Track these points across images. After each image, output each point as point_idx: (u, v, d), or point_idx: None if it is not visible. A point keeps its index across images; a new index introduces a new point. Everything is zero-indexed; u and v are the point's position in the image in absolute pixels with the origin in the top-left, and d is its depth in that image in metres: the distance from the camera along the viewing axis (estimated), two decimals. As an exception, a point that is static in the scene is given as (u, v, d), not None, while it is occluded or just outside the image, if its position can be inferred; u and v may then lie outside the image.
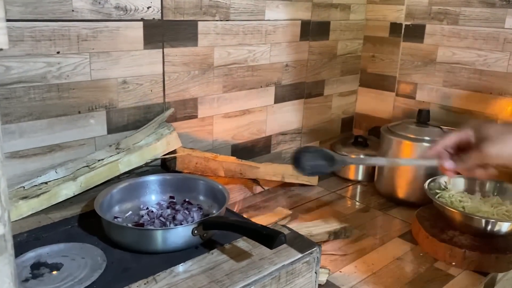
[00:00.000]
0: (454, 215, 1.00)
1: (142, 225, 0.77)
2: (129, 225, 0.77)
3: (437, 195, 1.10)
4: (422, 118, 1.27)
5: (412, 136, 1.23)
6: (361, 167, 1.42)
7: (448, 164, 0.64)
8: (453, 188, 1.13)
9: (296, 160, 0.69)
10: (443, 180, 1.15)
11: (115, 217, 0.79)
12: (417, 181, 1.20)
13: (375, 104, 1.56)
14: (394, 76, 1.49)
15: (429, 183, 1.11)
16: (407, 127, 1.26)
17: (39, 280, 0.62)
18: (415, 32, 1.42)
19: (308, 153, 0.70)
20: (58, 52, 0.86)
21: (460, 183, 1.15)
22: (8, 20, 0.79)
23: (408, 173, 1.24)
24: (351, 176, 1.43)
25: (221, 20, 1.11)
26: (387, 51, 1.50)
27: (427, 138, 1.21)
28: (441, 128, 1.25)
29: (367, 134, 1.55)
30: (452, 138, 0.64)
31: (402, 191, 1.26)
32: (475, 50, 1.30)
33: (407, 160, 0.74)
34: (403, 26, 1.45)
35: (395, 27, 1.47)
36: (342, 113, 1.58)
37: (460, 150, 0.64)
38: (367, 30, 1.54)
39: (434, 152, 0.65)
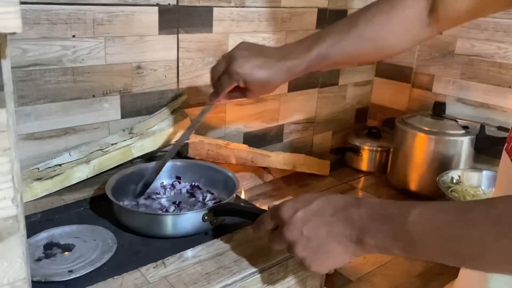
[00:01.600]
0: (467, 209, 0.99)
1: (157, 209, 0.78)
2: (140, 209, 0.78)
3: (450, 189, 1.09)
4: (438, 110, 1.26)
5: (426, 128, 1.21)
6: (373, 158, 1.41)
7: (221, 100, 0.80)
8: (466, 182, 1.12)
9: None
10: (456, 174, 1.14)
11: (126, 201, 0.80)
12: (430, 174, 1.18)
13: (390, 95, 1.54)
14: (411, 67, 1.47)
15: (442, 177, 1.10)
16: (422, 120, 1.25)
17: (51, 260, 0.64)
18: (434, 23, 1.39)
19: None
20: (73, 36, 0.86)
21: (474, 177, 1.14)
22: (24, 3, 0.80)
23: (422, 166, 1.23)
24: (364, 167, 1.42)
25: (236, 7, 1.10)
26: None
27: (442, 131, 1.20)
28: (456, 121, 1.23)
29: (382, 126, 1.54)
30: (228, 87, 0.76)
31: (414, 184, 1.25)
32: (495, 43, 1.27)
33: (198, 117, 0.86)
34: (422, 16, 1.42)
35: (413, 17, 1.44)
36: (356, 104, 1.56)
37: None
38: (385, 19, 1.51)
39: (217, 101, 0.81)
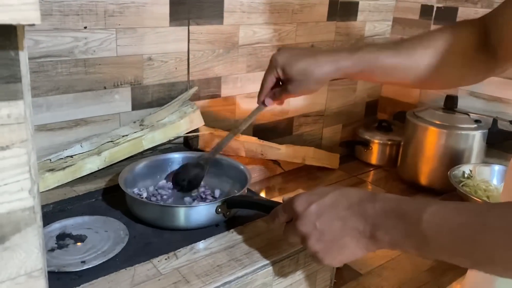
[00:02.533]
0: (478, 204, 0.98)
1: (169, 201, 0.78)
2: (153, 201, 0.78)
3: (461, 184, 1.08)
4: (449, 104, 1.25)
5: (438, 122, 1.20)
6: (383, 151, 1.40)
7: (267, 101, 0.77)
8: (478, 177, 1.11)
9: (176, 184, 0.81)
10: (467, 168, 1.13)
11: (139, 193, 0.80)
12: (441, 168, 1.18)
13: (401, 88, 1.53)
14: (422, 60, 1.45)
15: (453, 171, 1.09)
16: (434, 113, 1.24)
17: (64, 251, 0.64)
18: (447, 15, 1.37)
19: (178, 173, 0.82)
20: (85, 27, 0.86)
21: (485, 172, 1.13)
22: (37, -6, 0.80)
23: (432, 160, 1.22)
24: (373, 160, 1.42)
25: (247, -2, 1.09)
26: (416, 34, 1.46)
27: (454, 125, 1.18)
28: (468, 115, 1.22)
29: (392, 119, 1.52)
30: (270, 82, 0.74)
31: (425, 178, 1.24)
32: (509, 35, 1.25)
33: (248, 118, 0.83)
34: (435, 8, 1.40)
35: (426, 9, 1.42)
36: (367, 97, 1.55)
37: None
38: (397, 11, 1.50)
39: (262, 99, 0.78)
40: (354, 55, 0.70)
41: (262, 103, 0.78)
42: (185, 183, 0.81)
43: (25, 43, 0.35)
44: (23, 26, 0.33)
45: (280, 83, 0.76)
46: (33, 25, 0.31)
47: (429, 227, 0.47)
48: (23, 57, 0.35)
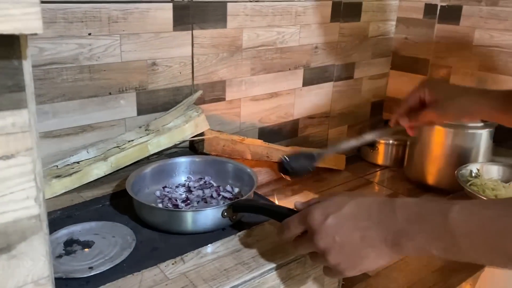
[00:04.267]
0: (486, 203, 0.97)
1: (176, 205, 0.78)
2: (160, 205, 0.78)
3: (469, 183, 1.07)
4: (456, 103, 1.24)
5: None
6: (389, 151, 1.39)
7: (403, 121, 0.74)
8: (485, 176, 1.10)
9: (282, 166, 0.78)
10: (475, 167, 1.12)
11: (146, 198, 0.80)
12: (448, 167, 1.17)
13: (406, 87, 1.50)
14: (428, 59, 1.45)
15: (460, 170, 1.08)
16: (440, 112, 1.23)
17: (72, 257, 0.64)
18: (451, 14, 1.37)
19: (292, 157, 0.79)
20: (89, 34, 0.87)
21: (493, 171, 1.12)
22: (41, 2, 0.80)
23: (439, 159, 1.21)
24: (380, 161, 1.41)
25: (250, 1, 1.09)
26: (421, 33, 1.45)
27: (460, 124, 1.17)
28: (475, 113, 1.21)
29: (397, 119, 1.51)
30: (413, 98, 0.72)
31: (432, 177, 1.23)
32: (515, 33, 1.24)
33: (370, 135, 0.80)
34: (438, 7, 1.40)
35: (430, 8, 1.42)
36: (372, 97, 1.55)
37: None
38: (401, 11, 1.49)
39: (399, 115, 0.76)
40: (499, 97, 0.70)
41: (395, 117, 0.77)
42: (290, 169, 0.78)
43: (28, 52, 0.35)
44: (26, 35, 0.34)
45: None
46: (35, 34, 0.31)
47: (457, 225, 0.45)
48: (27, 66, 0.35)
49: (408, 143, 1.31)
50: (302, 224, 0.57)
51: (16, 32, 0.31)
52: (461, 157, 1.17)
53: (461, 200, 0.47)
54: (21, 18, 0.31)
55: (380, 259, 0.52)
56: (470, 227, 0.45)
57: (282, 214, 0.64)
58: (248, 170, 0.83)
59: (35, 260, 0.40)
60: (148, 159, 0.94)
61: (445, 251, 0.47)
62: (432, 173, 1.23)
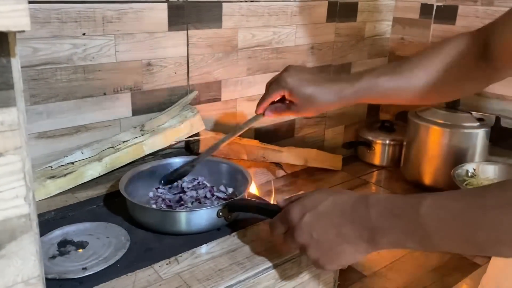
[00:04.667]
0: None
1: (169, 206, 0.78)
2: (153, 206, 0.78)
3: (465, 182, 1.07)
4: (452, 103, 1.24)
5: (440, 121, 1.19)
6: (386, 152, 1.39)
7: (268, 113, 0.79)
8: (481, 175, 1.10)
9: (165, 181, 0.84)
10: (471, 167, 1.12)
11: (140, 198, 0.80)
12: (445, 167, 1.17)
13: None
14: (424, 59, 1.45)
15: (456, 170, 1.09)
16: (436, 112, 1.23)
17: (65, 257, 0.64)
18: (447, 13, 1.37)
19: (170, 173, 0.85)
20: (83, 34, 0.87)
21: (489, 170, 1.12)
22: (35, 2, 0.80)
23: (436, 159, 1.21)
24: (376, 161, 1.41)
25: (246, 1, 1.09)
26: (417, 33, 1.46)
27: (456, 123, 1.18)
28: (471, 113, 1.21)
29: (394, 119, 1.52)
30: (274, 96, 0.77)
31: (428, 177, 1.23)
32: (510, 32, 1.24)
33: (244, 125, 0.84)
34: (434, 7, 1.40)
35: (426, 8, 1.42)
36: (368, 97, 1.54)
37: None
38: (397, 11, 1.49)
39: (261, 110, 0.79)
40: (355, 85, 0.72)
41: (262, 114, 0.80)
42: (172, 178, 0.85)
43: (17, 50, 0.35)
44: (14, 32, 0.33)
45: (284, 100, 0.78)
46: (23, 31, 0.31)
47: (428, 219, 0.47)
48: (15, 63, 0.35)
49: (404, 143, 1.31)
50: (284, 223, 0.60)
51: (4, 29, 0.31)
52: (457, 156, 1.17)
53: (432, 193, 0.49)
54: (8, 15, 0.30)
55: (357, 254, 0.54)
56: (441, 220, 0.46)
57: (277, 212, 0.63)
58: (242, 169, 0.83)
59: (25, 260, 0.39)
60: (143, 160, 0.94)
61: (419, 244, 0.49)
62: (429, 173, 1.23)
